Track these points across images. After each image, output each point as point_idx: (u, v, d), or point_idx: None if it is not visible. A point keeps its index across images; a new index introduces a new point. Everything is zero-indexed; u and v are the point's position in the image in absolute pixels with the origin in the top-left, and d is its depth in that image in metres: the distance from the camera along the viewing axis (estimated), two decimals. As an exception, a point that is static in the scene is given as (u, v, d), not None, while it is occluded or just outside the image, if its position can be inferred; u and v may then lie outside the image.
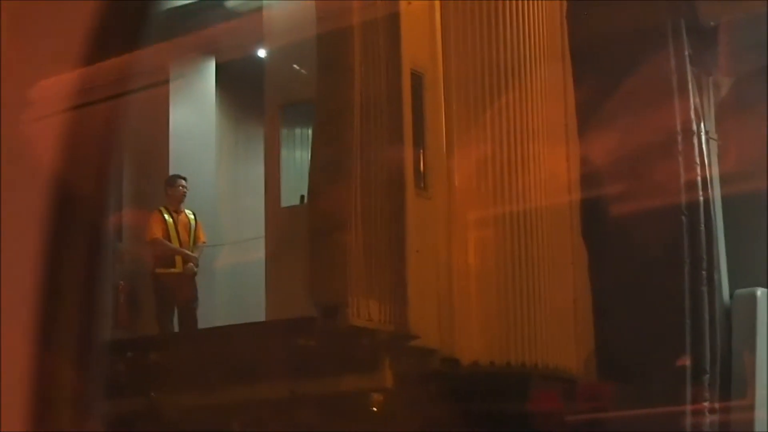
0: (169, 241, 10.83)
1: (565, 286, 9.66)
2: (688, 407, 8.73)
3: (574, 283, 9.68)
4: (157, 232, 10.75)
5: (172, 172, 11.30)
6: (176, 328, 10.84)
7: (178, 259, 10.86)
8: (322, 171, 9.24)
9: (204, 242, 11.02)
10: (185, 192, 11.19)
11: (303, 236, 9.25)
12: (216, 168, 12.09)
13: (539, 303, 9.44)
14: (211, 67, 12.22)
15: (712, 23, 10.25)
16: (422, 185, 9.43)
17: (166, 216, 10.86)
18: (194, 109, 12.18)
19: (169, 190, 11.00)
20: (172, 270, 10.83)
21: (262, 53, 11.22)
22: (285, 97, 10.45)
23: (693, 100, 9.76)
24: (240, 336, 9.53)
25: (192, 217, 10.99)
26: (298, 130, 10.78)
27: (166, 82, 11.69)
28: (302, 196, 9.94)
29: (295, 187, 10.22)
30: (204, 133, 12.14)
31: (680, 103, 9.66)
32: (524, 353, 9.23)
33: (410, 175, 9.25)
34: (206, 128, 12.17)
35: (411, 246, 9.05)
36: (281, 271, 9.83)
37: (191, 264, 10.85)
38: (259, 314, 9.99)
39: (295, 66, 10.15)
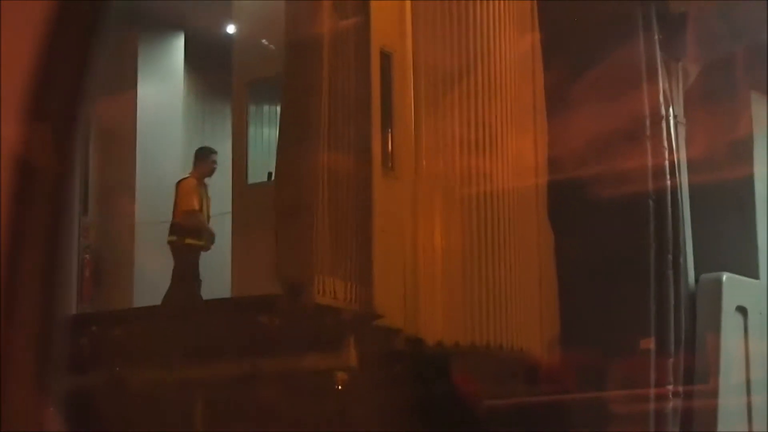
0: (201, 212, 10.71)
1: (531, 267, 9.64)
2: (652, 390, 8.73)
3: (540, 265, 9.66)
4: (195, 203, 10.58)
5: (139, 146, 11.23)
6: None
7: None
8: (289, 149, 9.14)
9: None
10: (215, 167, 10.97)
11: (269, 214, 9.18)
12: (183, 143, 11.96)
13: (505, 284, 9.41)
14: (179, 41, 12.12)
15: (681, 9, 10.24)
16: (390, 165, 9.34)
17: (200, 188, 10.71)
18: (162, 84, 12.05)
19: (200, 163, 10.77)
20: (201, 243, 10.68)
21: (230, 29, 11.18)
22: (253, 73, 10.36)
23: (662, 85, 9.75)
24: (204, 312, 9.47)
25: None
26: (266, 107, 10.74)
27: (134, 55, 11.66)
28: (269, 174, 9.93)
29: (262, 165, 10.20)
30: (171, 107, 12.02)
31: (649, 87, 9.64)
32: (489, 334, 9.19)
33: (378, 155, 9.18)
34: (173, 103, 12.06)
35: (377, 226, 8.99)
36: (247, 248, 9.79)
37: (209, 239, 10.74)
38: (224, 291, 9.93)
39: (263, 41, 10.08)
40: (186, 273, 10.47)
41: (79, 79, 2.86)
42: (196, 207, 10.46)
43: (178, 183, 10.49)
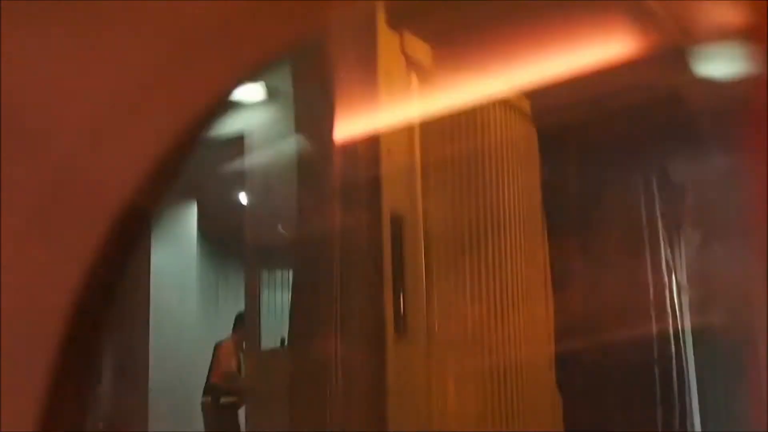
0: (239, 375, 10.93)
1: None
2: None
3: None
4: (234, 365, 10.81)
5: (152, 315, 11.41)
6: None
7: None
8: (302, 315, 9.32)
9: None
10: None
11: (283, 379, 9.28)
12: (197, 310, 12.16)
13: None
14: (192, 210, 12.40)
15: (681, 179, 10.60)
16: (402, 329, 9.51)
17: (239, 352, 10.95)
18: (176, 252, 12.29)
19: (239, 327, 11.08)
20: (234, 400, 10.83)
21: (243, 199, 11.48)
22: (265, 240, 10.61)
23: (664, 253, 10.06)
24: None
25: None
26: (278, 273, 10.98)
27: (149, 225, 11.83)
28: (282, 339, 10.07)
29: (275, 330, 10.38)
30: (186, 275, 12.24)
31: (652, 256, 9.95)
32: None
33: (390, 318, 9.35)
34: (188, 271, 12.28)
35: (392, 389, 9.12)
36: (262, 414, 9.86)
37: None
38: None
39: (279, 228, 10.34)
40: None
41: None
42: (235, 369, 10.65)
43: (218, 345, 10.69)
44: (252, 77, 2.90)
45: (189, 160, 3.02)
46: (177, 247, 12.11)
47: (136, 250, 2.96)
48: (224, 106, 2.97)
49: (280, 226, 10.43)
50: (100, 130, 2.70)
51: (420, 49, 10.09)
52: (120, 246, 2.81)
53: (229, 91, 2.86)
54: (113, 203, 2.74)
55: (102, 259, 2.71)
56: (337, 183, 9.43)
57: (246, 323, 10.53)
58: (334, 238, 9.13)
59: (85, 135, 2.69)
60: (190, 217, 12.28)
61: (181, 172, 3.09)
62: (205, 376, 11.52)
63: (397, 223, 10.16)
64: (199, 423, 11.38)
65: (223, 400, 10.94)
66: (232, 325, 11.33)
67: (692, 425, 9.50)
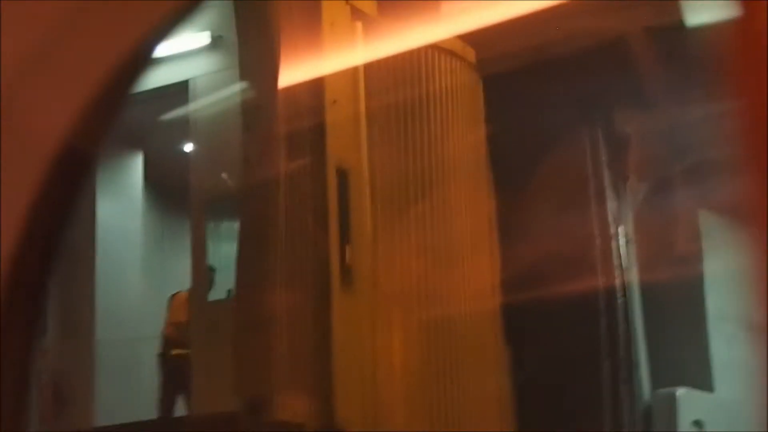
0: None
1: (489, 386, 9.80)
2: None
3: (497, 384, 9.84)
4: (183, 316, 10.77)
5: (97, 264, 11.37)
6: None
7: None
8: (248, 267, 9.31)
9: None
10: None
11: (228, 330, 9.28)
12: (142, 261, 12.12)
13: (463, 403, 9.51)
14: (138, 161, 12.36)
15: (626, 130, 10.64)
16: (348, 281, 9.53)
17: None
18: (121, 202, 12.23)
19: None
20: (187, 353, 10.85)
21: (188, 148, 11.46)
22: (211, 191, 10.58)
23: (610, 204, 10.12)
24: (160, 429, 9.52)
25: None
26: (225, 224, 10.95)
27: (89, 169, 11.72)
28: (229, 291, 10.12)
29: (222, 282, 10.37)
30: (130, 226, 12.19)
31: (597, 208, 10.01)
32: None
33: (336, 270, 9.35)
34: (133, 221, 12.23)
35: (337, 340, 9.15)
36: (206, 364, 9.89)
37: None
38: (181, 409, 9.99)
39: (223, 176, 10.31)
40: (172, 385, 10.60)
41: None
42: (183, 320, 10.64)
43: (172, 297, 10.69)
44: (179, 19, 2.89)
45: (126, 104, 3.01)
46: (123, 197, 12.08)
47: (78, 195, 2.95)
48: (155, 42, 2.97)
49: (224, 175, 10.41)
50: (27, 69, 2.70)
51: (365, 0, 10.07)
52: (59, 190, 2.80)
53: (161, 28, 2.87)
54: (48, 145, 2.73)
55: (41, 204, 2.71)
56: (282, 132, 9.40)
57: (192, 274, 10.55)
58: (279, 187, 9.12)
59: (11, 74, 2.69)
60: (135, 168, 12.25)
61: (116, 114, 3.07)
62: (153, 328, 11.53)
63: (342, 173, 10.18)
64: (146, 375, 11.40)
65: (174, 351, 10.95)
66: (179, 277, 11.35)
67: (639, 378, 9.60)
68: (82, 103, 2.70)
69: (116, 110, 3.00)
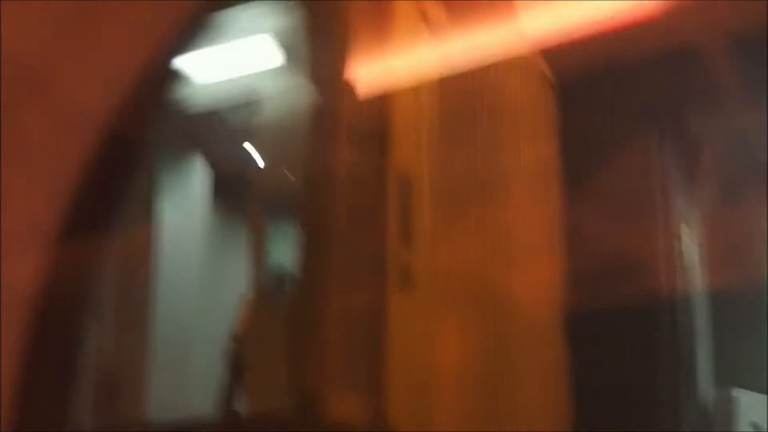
0: None
1: (546, 387, 9.73)
2: None
3: (555, 384, 9.78)
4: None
5: (158, 267, 11.50)
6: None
7: None
8: (305, 264, 9.34)
9: None
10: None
11: (283, 328, 9.30)
12: (203, 264, 12.22)
13: (519, 403, 9.44)
14: (200, 163, 12.48)
15: (698, 129, 10.54)
16: (406, 280, 9.49)
17: None
18: (183, 205, 12.34)
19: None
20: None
21: (252, 154, 11.55)
22: (270, 192, 10.65)
23: (678, 205, 10.01)
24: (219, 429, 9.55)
25: None
26: (283, 225, 10.99)
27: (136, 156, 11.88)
28: (286, 289, 10.25)
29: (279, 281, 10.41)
30: (192, 228, 12.30)
31: (664, 208, 9.91)
32: (504, 449, 9.17)
33: (394, 269, 9.34)
34: (195, 223, 12.34)
35: (392, 342, 9.11)
36: (261, 363, 9.91)
37: None
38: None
39: (285, 172, 10.38)
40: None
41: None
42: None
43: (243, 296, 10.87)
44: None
45: (172, 93, 3.06)
46: (183, 200, 12.20)
47: (124, 182, 2.98)
48: (198, 28, 3.01)
49: (285, 171, 10.48)
50: (70, 46, 2.73)
51: (434, 5, 10.11)
52: (105, 175, 2.82)
53: (202, 13, 2.91)
54: (92, 128, 2.76)
55: (87, 189, 2.72)
56: (346, 136, 9.46)
57: (250, 273, 10.61)
58: (340, 188, 9.16)
59: (53, 53, 2.72)
60: (197, 171, 12.39)
61: (162, 102, 3.13)
62: (211, 331, 11.60)
63: (404, 181, 10.18)
64: (201, 378, 11.45)
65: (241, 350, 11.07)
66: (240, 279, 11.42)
67: (699, 379, 9.46)
68: (125, 85, 2.74)
69: (162, 97, 3.06)
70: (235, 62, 11.73)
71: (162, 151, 12.06)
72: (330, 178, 9.21)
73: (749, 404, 9.94)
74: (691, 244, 10.26)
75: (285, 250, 10.82)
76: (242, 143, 11.78)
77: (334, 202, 9.12)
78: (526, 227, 9.99)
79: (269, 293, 10.55)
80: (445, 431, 9.06)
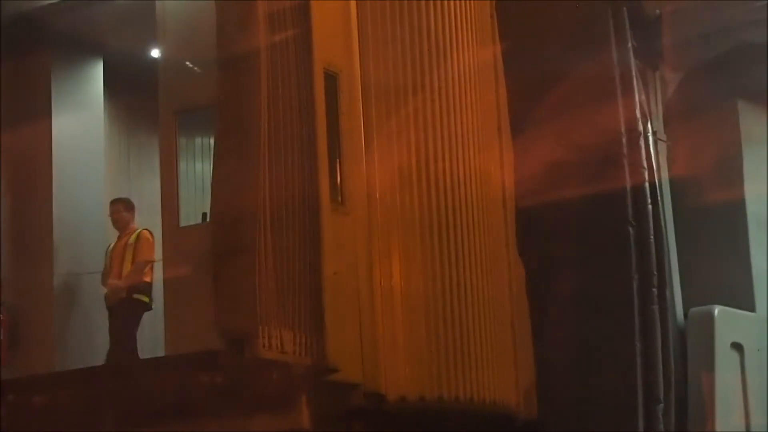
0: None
1: (502, 308, 9.51)
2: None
3: (512, 305, 9.52)
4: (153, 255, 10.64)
5: (55, 186, 11.03)
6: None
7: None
8: (225, 185, 8.86)
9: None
10: (114, 218, 11.16)
11: (206, 259, 8.91)
12: (104, 182, 11.74)
13: (474, 329, 9.22)
14: (98, 68, 11.92)
15: (657, 12, 10.15)
16: (339, 199, 9.08)
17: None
18: (80, 115, 11.80)
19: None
20: (147, 300, 10.74)
21: (155, 53, 10.98)
22: (182, 102, 10.19)
23: (638, 97, 9.62)
24: (135, 373, 9.20)
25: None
26: (198, 139, 10.55)
27: (48, 81, 11.41)
28: (204, 214, 9.82)
29: (195, 204, 10.07)
30: (91, 142, 11.79)
31: (624, 100, 9.53)
32: (458, 386, 8.94)
33: (326, 188, 8.90)
34: (94, 137, 11.83)
35: (328, 267, 8.71)
36: (182, 298, 9.58)
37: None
38: (157, 348, 9.72)
39: (189, 64, 9.88)
40: (128, 332, 10.36)
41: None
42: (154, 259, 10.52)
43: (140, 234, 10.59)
44: None
45: None
46: (82, 111, 11.57)
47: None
48: None
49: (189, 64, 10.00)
50: None
51: None
52: None
53: None
54: None
55: None
56: (264, 35, 8.91)
57: (162, 197, 10.11)
58: (261, 96, 8.65)
59: None
60: (95, 76, 11.73)
61: None
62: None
63: (331, 80, 9.63)
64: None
65: (135, 296, 10.69)
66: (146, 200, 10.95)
67: (672, 294, 9.23)
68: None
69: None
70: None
71: (56, 47, 11.50)
72: (248, 84, 8.72)
73: (729, 322, 9.94)
74: (654, 139, 9.86)
75: (202, 169, 10.40)
76: (145, 41, 11.20)
77: (255, 112, 8.64)
78: (472, 129, 9.59)
79: (186, 221, 10.06)
80: (392, 366, 8.77)
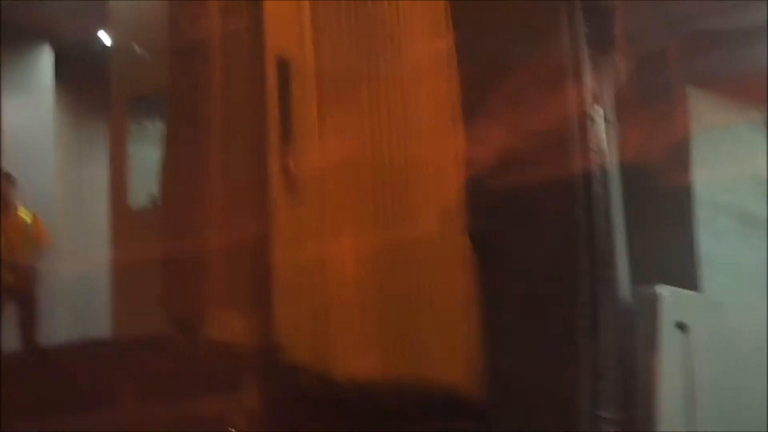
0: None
1: (453, 290, 9.65)
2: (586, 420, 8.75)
3: (463, 287, 9.70)
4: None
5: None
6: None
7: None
8: (175, 169, 9.14)
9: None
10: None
11: (154, 242, 9.13)
12: (55, 167, 11.92)
13: (424, 310, 9.41)
14: (47, 54, 12.09)
15: (610, 1, 10.39)
16: (290, 183, 9.34)
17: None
18: (29, 102, 11.99)
19: None
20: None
21: (106, 39, 11.18)
22: (133, 88, 10.36)
23: (590, 83, 9.86)
24: (82, 356, 9.38)
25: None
26: (148, 125, 10.72)
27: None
28: (150, 195, 10.12)
29: (145, 188, 10.18)
30: (41, 128, 11.97)
31: (575, 86, 9.76)
32: (407, 367, 9.16)
33: (277, 172, 9.16)
34: (43, 123, 12.00)
35: (279, 251, 8.96)
36: (130, 281, 9.74)
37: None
38: (104, 330, 9.86)
39: (138, 49, 10.08)
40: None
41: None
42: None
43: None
44: None
45: None
46: (30, 97, 11.79)
47: None
48: None
49: (138, 48, 10.21)
50: None
51: None
52: None
53: None
54: None
55: None
56: (216, 22, 9.15)
57: (111, 179, 10.34)
58: (213, 84, 8.89)
59: None
60: (44, 63, 11.96)
61: None
62: (60, 242, 11.28)
63: (283, 67, 9.92)
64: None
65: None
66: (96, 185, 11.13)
67: (618, 276, 9.43)
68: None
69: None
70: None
71: (4, 36, 11.65)
72: (199, 72, 8.99)
73: (675, 302, 9.94)
74: (605, 123, 10.13)
75: (152, 153, 10.59)
76: (95, 28, 11.43)
77: (206, 99, 8.90)
78: (425, 116, 9.81)
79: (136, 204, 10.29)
80: (341, 347, 8.98)
